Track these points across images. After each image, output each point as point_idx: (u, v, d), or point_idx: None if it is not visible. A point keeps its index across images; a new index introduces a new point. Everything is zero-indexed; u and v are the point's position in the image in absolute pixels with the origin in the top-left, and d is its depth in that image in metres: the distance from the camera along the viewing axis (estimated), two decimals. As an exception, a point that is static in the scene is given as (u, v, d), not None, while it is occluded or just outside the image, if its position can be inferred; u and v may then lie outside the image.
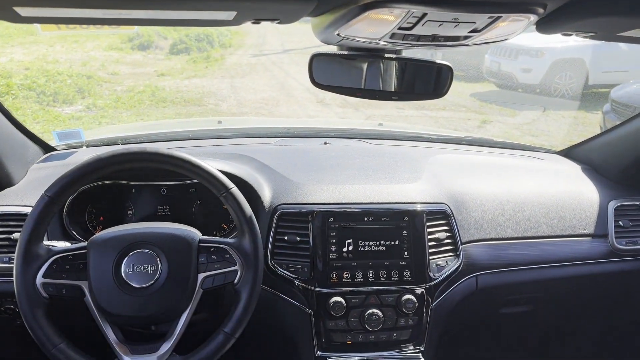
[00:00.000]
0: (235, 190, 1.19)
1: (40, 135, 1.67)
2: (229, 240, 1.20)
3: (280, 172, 1.51)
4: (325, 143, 1.84)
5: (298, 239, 1.39)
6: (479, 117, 7.21)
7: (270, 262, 1.37)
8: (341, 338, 1.38)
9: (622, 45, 7.98)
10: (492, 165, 1.78)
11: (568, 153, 1.97)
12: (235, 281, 1.17)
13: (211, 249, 1.18)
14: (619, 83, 6.41)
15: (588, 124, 6.90)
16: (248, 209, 1.19)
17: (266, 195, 1.43)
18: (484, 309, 1.63)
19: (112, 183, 1.44)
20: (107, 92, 7.92)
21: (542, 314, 1.77)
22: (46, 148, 1.70)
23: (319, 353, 1.39)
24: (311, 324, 1.38)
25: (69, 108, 7.01)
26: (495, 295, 1.57)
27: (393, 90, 1.16)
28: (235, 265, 1.17)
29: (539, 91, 8.24)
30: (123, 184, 1.46)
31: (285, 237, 1.39)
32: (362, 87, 1.16)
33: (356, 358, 1.40)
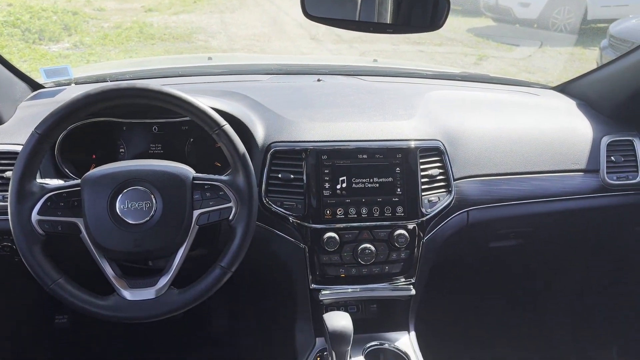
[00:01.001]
0: (227, 127, 1.18)
1: (28, 74, 1.63)
2: (222, 177, 1.20)
3: (273, 109, 1.50)
4: (319, 80, 1.81)
5: (292, 176, 1.39)
6: (476, 53, 7.10)
7: (265, 200, 1.38)
8: (334, 272, 1.42)
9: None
10: (487, 102, 1.76)
11: (564, 89, 1.95)
12: (230, 218, 1.18)
13: (205, 187, 1.18)
14: (618, 18, 6.29)
15: (585, 61, 6.81)
16: (241, 146, 1.19)
17: (259, 133, 1.42)
18: (474, 243, 1.67)
19: (102, 120, 1.42)
20: (93, 29, 7.71)
21: (531, 248, 1.81)
22: (34, 86, 1.66)
23: (313, 286, 1.43)
24: (305, 258, 1.41)
25: (56, 46, 6.83)
26: (486, 230, 1.61)
27: (388, 22, 1.13)
28: (230, 202, 1.18)
29: (536, 26, 8.10)
30: (114, 122, 1.44)
31: (279, 175, 1.39)
32: (357, 19, 1.13)
33: (349, 290, 1.44)
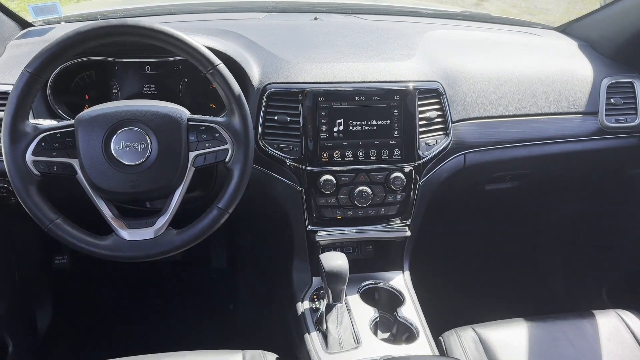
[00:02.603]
0: (222, 66, 1.15)
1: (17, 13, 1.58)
2: (218, 119, 1.18)
3: (269, 49, 1.46)
4: (316, 18, 1.76)
5: (288, 118, 1.37)
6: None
7: (261, 142, 1.37)
8: (331, 214, 1.43)
9: None
10: (487, 42, 1.73)
11: (566, 29, 1.91)
12: (227, 159, 1.17)
13: (201, 128, 1.16)
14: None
15: (588, 2, 6.61)
16: (236, 87, 1.17)
17: (255, 74, 1.39)
18: (470, 186, 1.68)
19: (94, 60, 1.39)
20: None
21: (527, 190, 1.82)
22: (23, 24, 1.61)
23: (309, 227, 1.44)
24: (302, 201, 1.41)
25: (44, -18, 6.59)
26: (482, 172, 1.61)
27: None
28: (226, 144, 1.17)
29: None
30: (106, 61, 1.40)
31: (276, 117, 1.37)
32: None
33: (345, 231, 1.46)
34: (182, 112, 1.17)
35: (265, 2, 1.98)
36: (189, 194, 1.23)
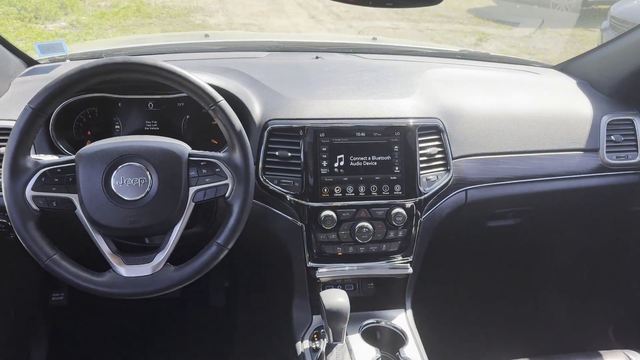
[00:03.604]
0: (223, 103, 1.16)
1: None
2: (219, 154, 1.19)
3: (270, 86, 1.48)
4: (317, 57, 1.79)
5: (289, 154, 1.38)
6: (476, 33, 7.03)
7: (262, 177, 1.37)
8: (332, 250, 1.41)
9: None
10: (487, 80, 1.75)
11: (564, 67, 1.94)
12: (227, 194, 1.17)
13: (201, 163, 1.17)
14: (620, 0, 6.22)
15: (586, 42, 6.75)
16: (238, 123, 1.17)
17: (256, 111, 1.40)
18: (472, 222, 1.67)
19: (97, 96, 1.41)
20: (90, 8, 7.62)
21: (529, 227, 1.81)
22: (29, 62, 1.64)
23: (310, 264, 1.43)
24: (303, 236, 1.40)
25: (52, 24, 6.75)
26: (484, 209, 1.60)
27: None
28: (226, 179, 1.17)
29: (537, 6, 8.00)
30: (109, 97, 1.42)
31: (277, 153, 1.38)
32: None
33: (346, 268, 1.44)
34: (183, 147, 1.18)
35: (268, 42, 2.02)
36: (189, 230, 1.22)
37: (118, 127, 1.45)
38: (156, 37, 3.60)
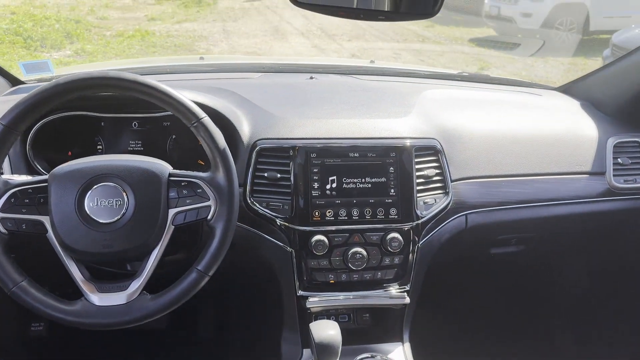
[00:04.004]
0: (207, 120, 1.10)
1: None
2: (201, 174, 1.12)
3: (260, 106, 1.42)
4: (311, 77, 1.74)
5: (279, 175, 1.31)
6: (478, 60, 7.06)
7: (250, 200, 1.30)
8: (323, 277, 1.33)
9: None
10: (487, 101, 1.69)
11: (567, 89, 1.88)
12: (209, 217, 1.10)
13: (182, 183, 1.10)
14: (620, 29, 6.24)
15: (588, 70, 6.73)
16: (221, 140, 1.11)
17: (245, 130, 1.34)
18: (473, 249, 1.59)
19: (78, 115, 1.35)
20: (95, 37, 7.72)
21: (534, 254, 1.73)
22: (14, 82, 1.60)
23: (300, 292, 1.34)
24: (292, 263, 1.32)
25: (57, 53, 6.83)
26: (486, 235, 1.53)
27: (385, 9, 1.06)
28: (208, 200, 1.10)
29: (539, 36, 8.05)
30: (90, 116, 1.36)
31: (265, 174, 1.31)
32: (354, 6, 1.05)
33: (340, 297, 1.35)
34: (163, 166, 1.11)
35: (262, 63, 1.98)
36: (172, 257, 1.15)
37: (100, 147, 1.38)
38: (150, 60, 3.59)
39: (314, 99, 1.52)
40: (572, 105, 1.74)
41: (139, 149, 1.39)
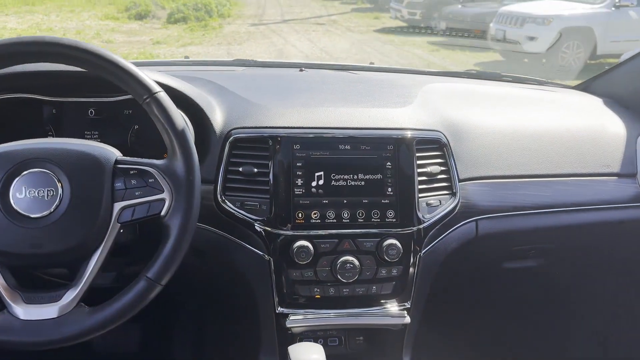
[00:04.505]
0: (162, 95, 0.92)
1: None
2: (154, 161, 0.93)
3: (239, 93, 1.25)
4: (301, 70, 1.57)
5: (256, 170, 1.12)
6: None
7: (221, 199, 1.11)
8: (308, 291, 1.13)
9: (631, 13, 7.75)
10: (499, 95, 1.52)
11: (586, 87, 1.70)
12: (162, 213, 0.91)
13: (131, 172, 0.91)
14: (628, 52, 6.11)
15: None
16: (179, 120, 0.92)
17: (217, 118, 1.16)
18: (484, 262, 1.39)
19: (24, 98, 1.16)
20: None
21: (554, 269, 1.52)
22: None
23: (280, 309, 1.14)
24: (271, 274, 1.13)
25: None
26: (499, 245, 1.33)
27: None
28: (162, 192, 0.91)
29: (545, 61, 7.96)
30: (39, 101, 1.18)
31: (240, 169, 1.13)
32: None
33: (328, 315, 1.15)
34: (109, 152, 0.93)
35: (249, 60, 1.81)
36: (131, 268, 0.96)
37: (51, 136, 1.20)
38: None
39: (302, 88, 1.35)
40: (594, 102, 1.57)
41: (95, 140, 1.21)
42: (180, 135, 0.92)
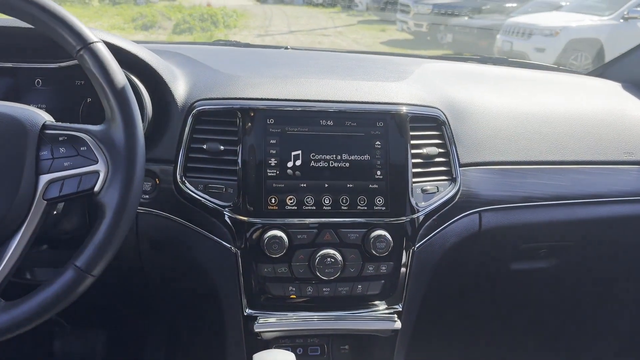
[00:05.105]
0: (99, 46, 0.77)
1: None
2: (89, 126, 0.78)
3: (208, 64, 1.10)
4: (287, 48, 1.42)
5: (222, 147, 0.97)
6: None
7: (181, 180, 0.96)
8: (281, 290, 0.98)
9: (639, 24, 7.69)
10: (506, 76, 1.38)
11: (602, 73, 1.56)
12: (96, 188, 0.75)
13: (60, 139, 0.76)
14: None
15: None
16: (119, 77, 0.77)
17: (179, 89, 1.01)
18: (489, 262, 1.23)
19: None
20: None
21: (569, 272, 1.35)
22: None
23: (248, 311, 0.98)
24: (238, 268, 0.97)
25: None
26: (506, 242, 1.17)
27: None
28: (96, 163, 0.76)
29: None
30: None
31: (204, 146, 0.98)
32: None
33: (305, 319, 0.99)
34: (36, 115, 0.78)
35: (234, 41, 1.67)
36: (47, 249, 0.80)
37: None
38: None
39: (282, 62, 1.20)
40: (613, 86, 1.43)
41: None
42: (120, 94, 0.76)
